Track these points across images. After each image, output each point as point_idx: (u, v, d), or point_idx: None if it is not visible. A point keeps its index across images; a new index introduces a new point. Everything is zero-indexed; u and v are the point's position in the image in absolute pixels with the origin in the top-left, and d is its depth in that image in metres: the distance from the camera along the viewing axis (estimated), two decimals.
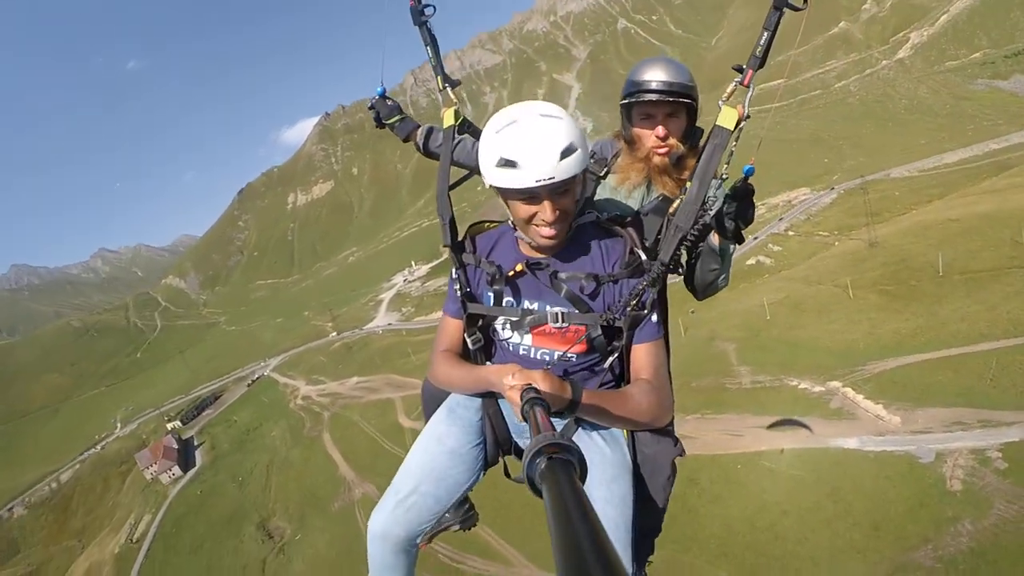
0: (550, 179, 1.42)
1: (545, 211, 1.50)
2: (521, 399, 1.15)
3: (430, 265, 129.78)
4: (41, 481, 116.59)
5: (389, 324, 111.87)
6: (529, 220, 1.54)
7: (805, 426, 31.67)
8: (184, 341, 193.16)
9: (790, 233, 75.98)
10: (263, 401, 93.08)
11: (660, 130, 1.93)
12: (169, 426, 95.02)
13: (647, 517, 1.84)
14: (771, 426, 33.03)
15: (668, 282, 1.92)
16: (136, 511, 71.38)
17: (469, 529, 2.12)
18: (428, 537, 1.79)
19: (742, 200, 1.71)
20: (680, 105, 1.90)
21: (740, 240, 1.79)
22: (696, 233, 1.74)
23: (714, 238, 1.87)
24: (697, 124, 1.99)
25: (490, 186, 1.53)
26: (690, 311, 51.29)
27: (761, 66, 1.65)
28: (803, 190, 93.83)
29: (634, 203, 2.07)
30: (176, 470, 75.46)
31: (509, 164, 1.43)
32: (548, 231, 1.54)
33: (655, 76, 1.87)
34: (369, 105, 2.38)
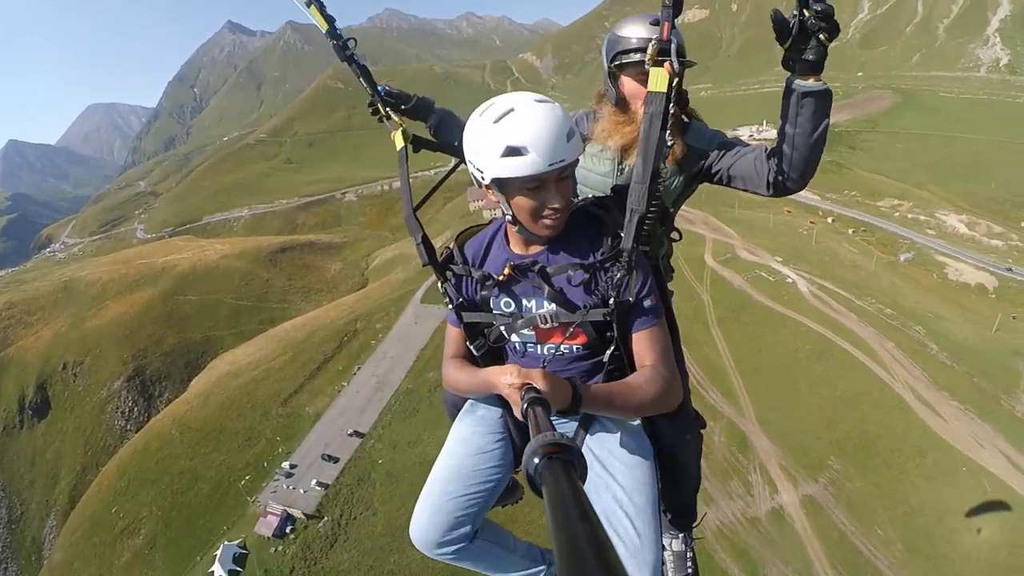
0: (561, 161, 1.37)
1: (553, 197, 1.44)
2: (521, 399, 1.12)
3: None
4: (376, 181, 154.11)
5: None
6: (534, 212, 1.47)
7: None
8: None
9: None
10: None
11: None
12: None
13: (680, 493, 1.85)
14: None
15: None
16: (451, 231, 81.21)
17: (516, 503, 2.12)
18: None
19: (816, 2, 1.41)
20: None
21: (820, 67, 1.50)
22: (653, 214, 1.50)
23: (801, 78, 1.54)
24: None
25: (490, 181, 1.43)
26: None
27: (677, 14, 1.47)
28: None
29: (605, 168, 2.01)
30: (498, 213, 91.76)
31: (516, 152, 1.35)
32: (556, 219, 1.49)
33: (654, 33, 1.66)
34: (371, 101, 2.11)
